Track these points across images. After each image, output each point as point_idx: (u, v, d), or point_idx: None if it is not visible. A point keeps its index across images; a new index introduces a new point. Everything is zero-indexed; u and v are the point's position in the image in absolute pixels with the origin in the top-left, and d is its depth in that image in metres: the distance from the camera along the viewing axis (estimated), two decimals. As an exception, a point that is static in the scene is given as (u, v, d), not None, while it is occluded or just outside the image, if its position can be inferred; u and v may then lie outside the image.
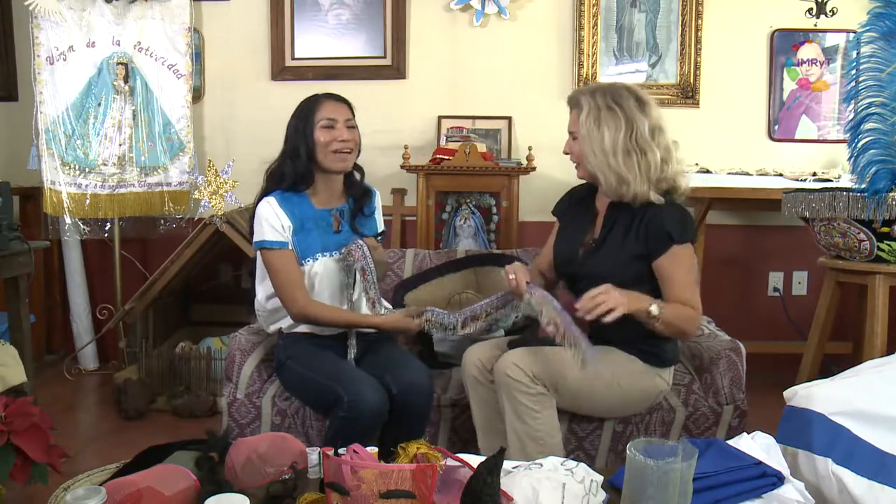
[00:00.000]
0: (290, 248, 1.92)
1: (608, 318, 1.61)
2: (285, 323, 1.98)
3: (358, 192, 2.04)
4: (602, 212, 1.89)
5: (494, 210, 3.08)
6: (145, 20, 3.16)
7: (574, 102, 1.84)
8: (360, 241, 1.93)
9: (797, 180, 3.01)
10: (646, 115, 1.76)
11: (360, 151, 2.01)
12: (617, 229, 1.82)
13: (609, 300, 1.61)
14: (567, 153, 1.88)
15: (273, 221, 1.90)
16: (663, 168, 1.76)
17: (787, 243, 3.35)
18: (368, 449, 1.36)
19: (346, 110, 1.96)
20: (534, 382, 1.71)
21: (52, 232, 3.17)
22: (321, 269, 1.94)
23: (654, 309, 1.67)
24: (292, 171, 1.93)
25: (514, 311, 1.89)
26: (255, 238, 1.93)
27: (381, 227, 2.13)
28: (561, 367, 1.74)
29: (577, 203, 1.98)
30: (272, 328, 2.04)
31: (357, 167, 2.03)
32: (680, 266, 1.75)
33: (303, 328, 1.97)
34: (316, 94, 1.98)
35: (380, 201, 2.14)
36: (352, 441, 1.55)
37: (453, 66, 3.37)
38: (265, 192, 1.96)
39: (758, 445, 1.41)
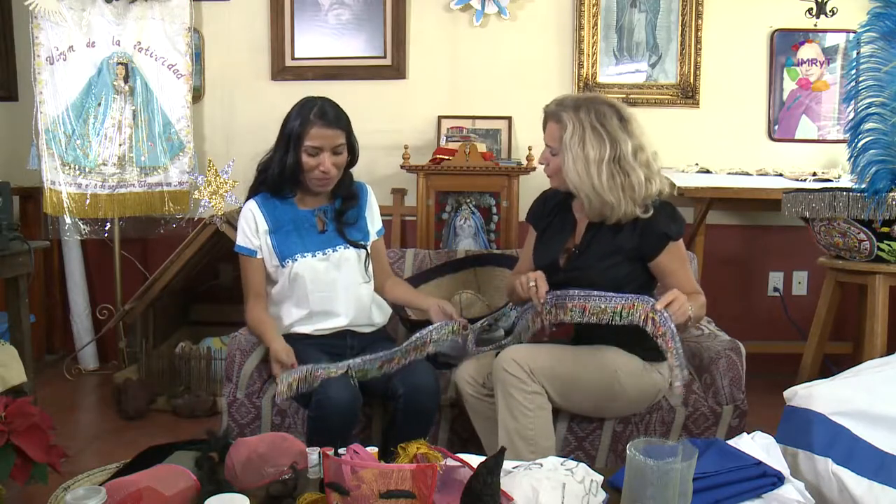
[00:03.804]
0: (258, 255, 1.97)
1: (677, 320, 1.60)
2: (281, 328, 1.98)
3: (345, 192, 2.03)
4: (582, 218, 1.88)
5: (494, 210, 3.08)
6: (145, 20, 3.15)
7: (554, 117, 1.79)
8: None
9: (797, 180, 3.01)
10: (628, 134, 1.75)
11: (356, 160, 2.01)
12: (602, 233, 1.81)
13: (686, 305, 1.61)
14: (543, 164, 1.86)
15: (248, 226, 1.97)
16: (647, 186, 1.75)
17: (787, 243, 3.35)
18: (368, 449, 1.36)
19: (337, 135, 1.89)
20: (531, 379, 1.71)
21: (52, 232, 3.18)
22: (303, 269, 1.93)
23: (690, 311, 1.66)
24: (277, 179, 1.94)
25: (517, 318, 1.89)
26: (236, 241, 2.02)
27: (378, 224, 2.11)
28: (558, 364, 1.74)
29: (552, 210, 1.96)
30: None
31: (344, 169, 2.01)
32: (680, 259, 1.80)
33: (299, 329, 1.97)
34: (311, 110, 1.88)
35: (373, 197, 2.11)
36: (324, 440, 1.56)
37: (453, 66, 3.37)
38: (254, 189, 2.02)
39: (758, 445, 1.41)
